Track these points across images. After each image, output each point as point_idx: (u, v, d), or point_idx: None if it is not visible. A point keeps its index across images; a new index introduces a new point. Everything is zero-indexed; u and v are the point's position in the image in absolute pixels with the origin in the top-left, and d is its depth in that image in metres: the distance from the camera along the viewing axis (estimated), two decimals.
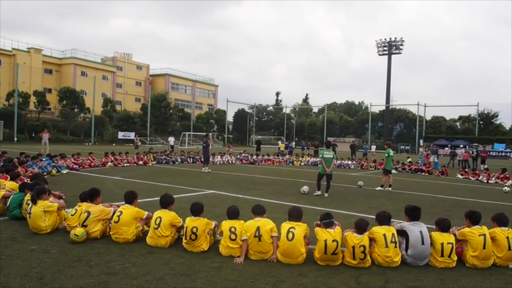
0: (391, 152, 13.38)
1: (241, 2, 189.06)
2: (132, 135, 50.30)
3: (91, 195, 6.12)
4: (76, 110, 53.67)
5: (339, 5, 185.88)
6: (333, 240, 4.85)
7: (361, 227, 5.06)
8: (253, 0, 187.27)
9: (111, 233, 5.65)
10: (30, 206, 6.01)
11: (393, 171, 15.26)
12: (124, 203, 5.94)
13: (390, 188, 13.04)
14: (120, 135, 53.11)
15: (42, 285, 3.94)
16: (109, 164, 18.10)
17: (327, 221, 5.06)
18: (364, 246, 4.89)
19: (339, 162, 24.72)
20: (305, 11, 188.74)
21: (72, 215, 5.93)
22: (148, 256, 5.00)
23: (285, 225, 5.12)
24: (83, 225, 5.63)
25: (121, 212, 5.64)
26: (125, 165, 18.75)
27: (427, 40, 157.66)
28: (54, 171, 13.77)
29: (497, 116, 62.29)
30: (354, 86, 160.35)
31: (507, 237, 5.18)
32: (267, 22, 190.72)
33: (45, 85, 60.75)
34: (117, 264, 4.64)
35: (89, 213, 5.70)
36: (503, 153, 48.04)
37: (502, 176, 17.69)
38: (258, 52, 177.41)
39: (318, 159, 21.49)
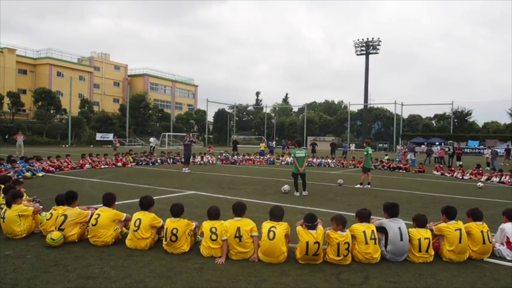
0: (370, 150, 13.60)
1: (224, 2, 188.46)
2: (110, 136, 49.50)
3: (68, 199, 5.91)
4: (52, 111, 52.35)
5: (321, 5, 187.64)
6: (315, 242, 4.86)
7: (340, 220, 5.11)
8: (236, 0, 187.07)
9: (89, 236, 5.52)
10: (4, 210, 5.81)
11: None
12: (102, 205, 5.82)
13: (369, 186, 13.25)
14: (98, 136, 52.15)
15: None
16: (87, 166, 17.75)
17: (310, 224, 5.03)
18: (349, 243, 4.97)
19: (319, 161, 25.03)
20: (288, 11, 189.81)
21: (47, 219, 5.76)
22: (128, 259, 4.92)
23: (266, 225, 5.12)
24: (60, 229, 5.47)
25: (99, 215, 5.52)
26: (103, 166, 18.43)
27: (407, 40, 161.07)
28: (28, 174, 13.38)
29: (470, 114, 64.37)
30: (334, 85, 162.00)
31: (481, 232, 5.34)
32: (250, 22, 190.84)
33: (19, 86, 59.00)
34: (96, 268, 4.54)
35: (65, 216, 5.54)
36: (476, 150, 49.59)
37: (476, 172, 18.25)
38: (239, 52, 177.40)
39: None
